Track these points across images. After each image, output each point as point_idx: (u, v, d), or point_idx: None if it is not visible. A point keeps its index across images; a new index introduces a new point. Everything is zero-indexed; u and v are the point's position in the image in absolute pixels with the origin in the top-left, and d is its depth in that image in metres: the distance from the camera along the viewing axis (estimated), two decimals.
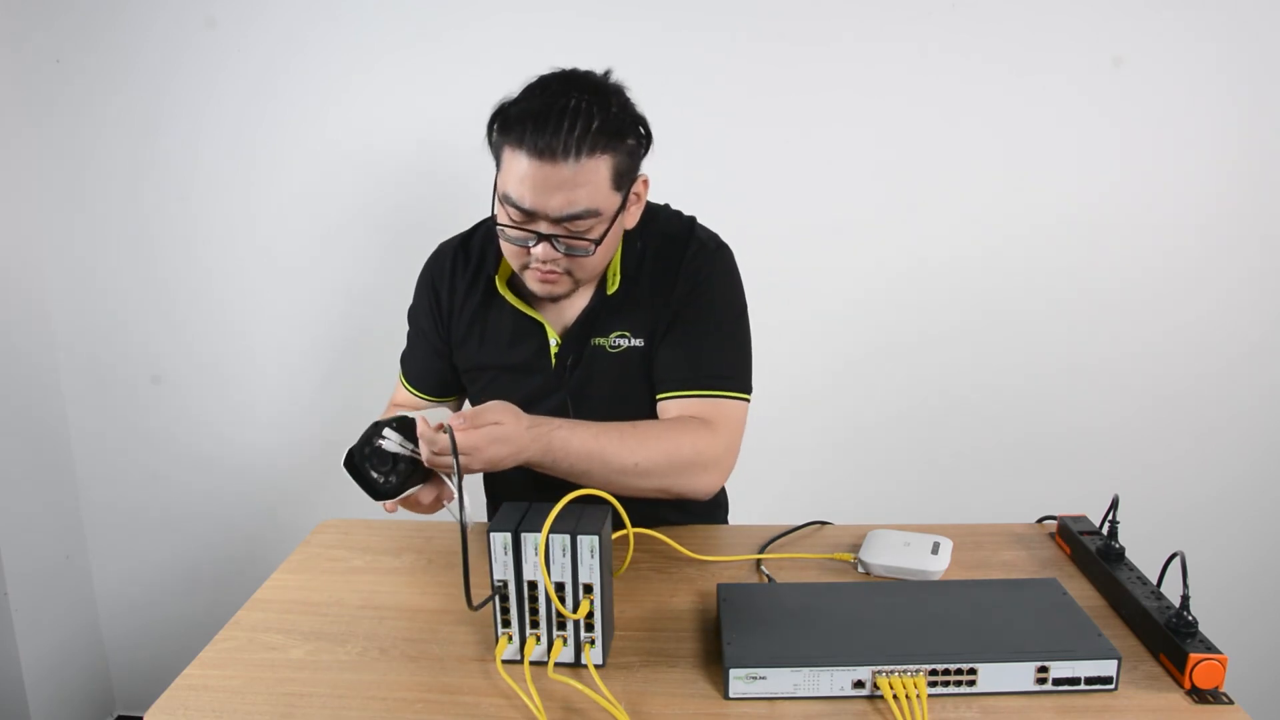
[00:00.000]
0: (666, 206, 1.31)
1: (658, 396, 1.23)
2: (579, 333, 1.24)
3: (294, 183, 1.92)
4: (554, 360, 1.25)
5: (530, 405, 1.27)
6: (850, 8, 1.75)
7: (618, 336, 1.23)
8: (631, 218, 1.18)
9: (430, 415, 1.06)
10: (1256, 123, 1.77)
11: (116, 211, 1.96)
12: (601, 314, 1.23)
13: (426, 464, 1.04)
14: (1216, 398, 1.90)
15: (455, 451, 0.96)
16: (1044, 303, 1.87)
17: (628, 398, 1.25)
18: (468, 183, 1.85)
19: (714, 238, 1.28)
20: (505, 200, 1.09)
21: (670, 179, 1.84)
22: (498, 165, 1.11)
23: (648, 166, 1.18)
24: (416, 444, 1.04)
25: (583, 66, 1.13)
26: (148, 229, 1.96)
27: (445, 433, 0.99)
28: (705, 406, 1.19)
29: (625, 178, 1.11)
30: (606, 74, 1.14)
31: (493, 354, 1.28)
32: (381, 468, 1.06)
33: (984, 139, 1.80)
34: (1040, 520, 1.32)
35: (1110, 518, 1.14)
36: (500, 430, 1.02)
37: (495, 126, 1.09)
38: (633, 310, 1.23)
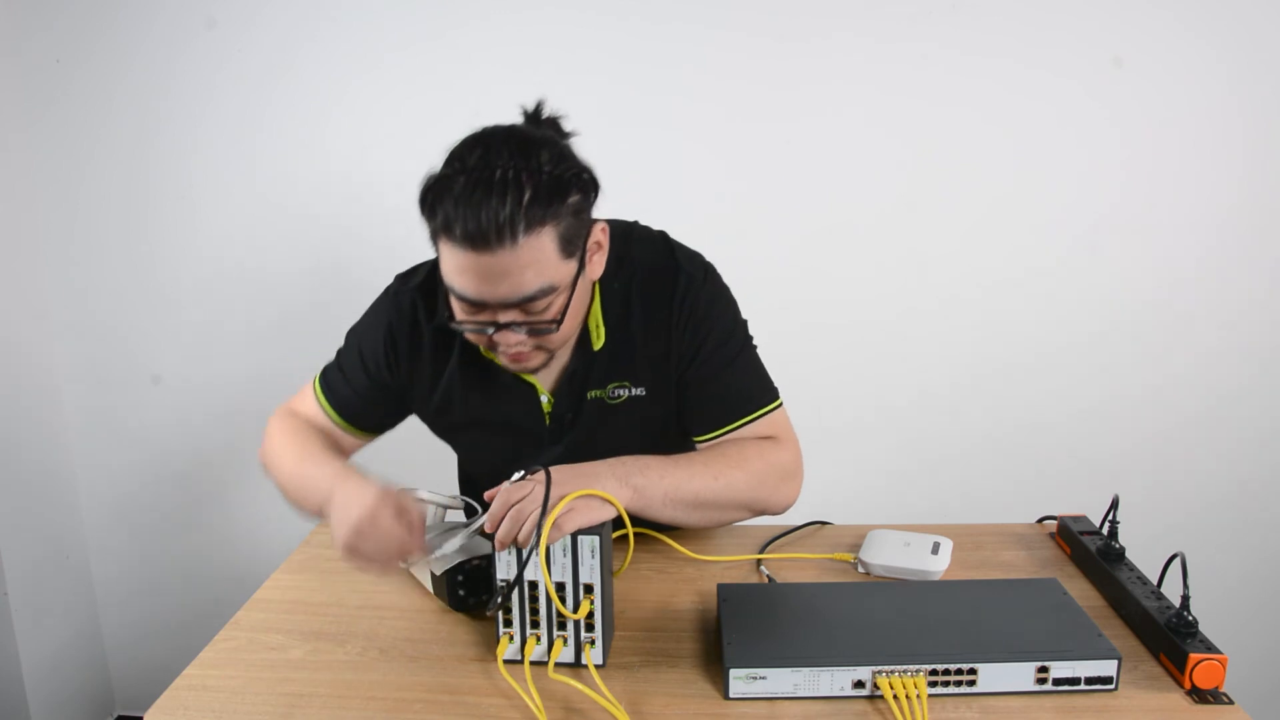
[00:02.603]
0: (636, 225, 1.21)
1: (701, 439, 1.18)
2: (571, 388, 1.16)
3: (294, 182, 1.92)
4: (548, 418, 1.18)
5: (525, 459, 1.23)
6: (850, 8, 1.75)
7: (616, 387, 1.16)
8: (596, 269, 1.08)
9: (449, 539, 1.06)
10: (1260, 122, 1.76)
11: (116, 211, 1.96)
12: (593, 368, 1.15)
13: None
14: (1217, 398, 1.90)
15: (549, 486, 0.94)
16: (1044, 303, 1.87)
17: (629, 448, 1.16)
18: None
19: (695, 260, 1.17)
20: (451, 291, 1.00)
21: (669, 178, 1.85)
22: (435, 249, 1.01)
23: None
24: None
25: (525, 100, 1.05)
26: (147, 229, 1.96)
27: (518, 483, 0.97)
28: (758, 428, 1.16)
29: (575, 241, 1.00)
30: (537, 110, 1.05)
31: (477, 411, 1.18)
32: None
33: (983, 140, 1.80)
34: (1040, 520, 1.32)
35: (1110, 518, 1.14)
36: (557, 472, 0.98)
37: (423, 208, 0.98)
38: (627, 359, 1.15)
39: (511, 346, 1.03)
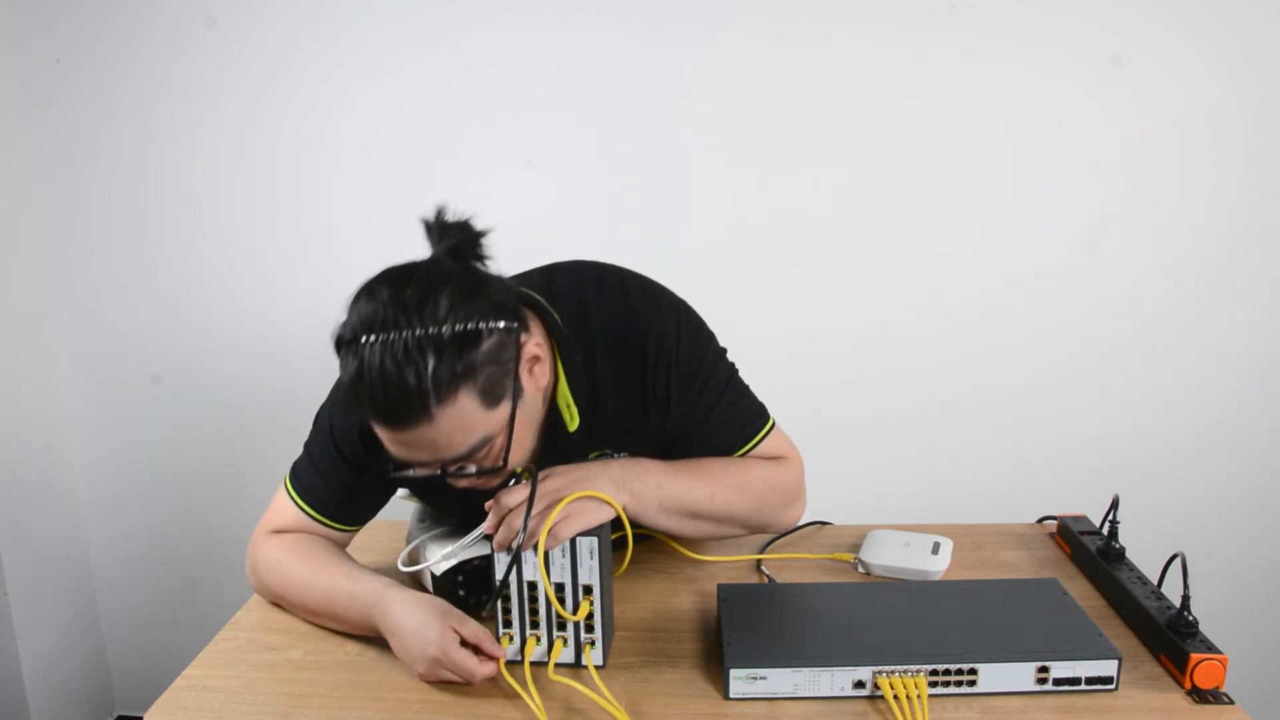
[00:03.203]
0: (585, 274, 1.10)
1: None
2: (553, 462, 1.07)
3: (294, 183, 1.92)
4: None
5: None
6: (850, 8, 1.75)
7: (597, 456, 1.10)
8: (540, 379, 0.99)
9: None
10: (1260, 122, 1.76)
11: (116, 211, 1.96)
12: (570, 443, 1.08)
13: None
14: (1216, 398, 1.90)
15: (534, 488, 0.95)
16: (1044, 303, 1.87)
17: None
18: (468, 184, 1.85)
19: (661, 304, 1.09)
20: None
21: (669, 179, 1.84)
22: None
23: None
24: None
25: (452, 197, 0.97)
26: (147, 229, 1.96)
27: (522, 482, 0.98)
28: (757, 453, 1.15)
29: (501, 384, 0.91)
30: (439, 220, 0.96)
31: (457, 496, 1.08)
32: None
33: (984, 140, 1.80)
34: (1040, 520, 1.32)
35: (1110, 518, 1.14)
36: (554, 476, 0.98)
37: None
38: (605, 429, 1.09)
39: (465, 485, 0.99)
